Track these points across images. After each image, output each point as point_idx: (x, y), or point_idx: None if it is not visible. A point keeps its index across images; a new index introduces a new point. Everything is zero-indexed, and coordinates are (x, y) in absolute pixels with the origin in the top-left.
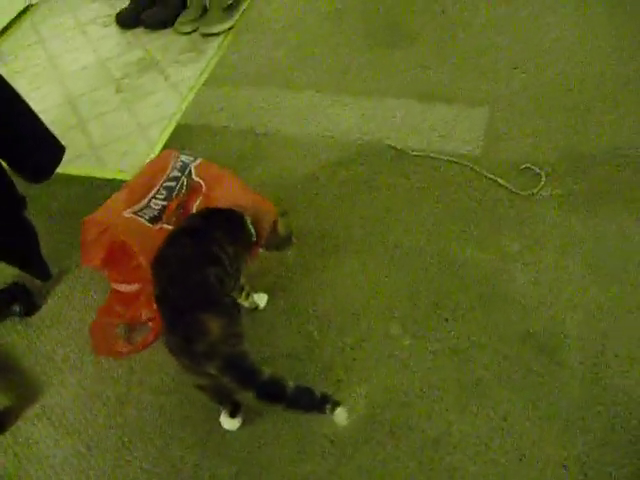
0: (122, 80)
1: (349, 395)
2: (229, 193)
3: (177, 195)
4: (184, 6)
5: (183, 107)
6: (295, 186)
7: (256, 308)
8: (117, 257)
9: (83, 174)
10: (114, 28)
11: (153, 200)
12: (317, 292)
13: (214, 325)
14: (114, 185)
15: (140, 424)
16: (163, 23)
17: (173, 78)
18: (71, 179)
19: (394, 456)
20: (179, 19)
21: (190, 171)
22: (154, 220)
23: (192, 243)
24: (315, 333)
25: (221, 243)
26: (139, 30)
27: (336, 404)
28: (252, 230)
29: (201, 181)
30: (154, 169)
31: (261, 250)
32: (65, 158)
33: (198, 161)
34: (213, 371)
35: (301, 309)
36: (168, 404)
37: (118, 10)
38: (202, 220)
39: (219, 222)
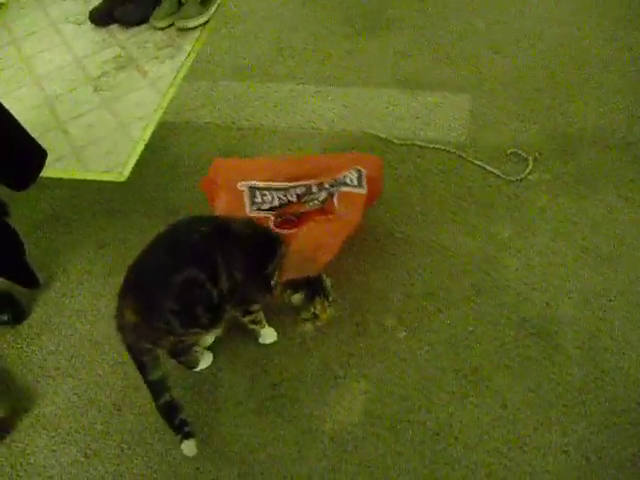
0: (100, 79)
1: (347, 391)
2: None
3: (305, 202)
4: (158, 1)
5: (164, 104)
6: None
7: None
8: None
9: (66, 177)
10: (88, 26)
11: (293, 189)
12: None
13: (129, 315)
14: (98, 186)
15: (138, 429)
16: (138, 19)
17: (151, 75)
18: (54, 182)
19: (395, 450)
20: (154, 14)
21: (334, 194)
22: (271, 208)
23: (203, 236)
24: (310, 330)
25: (230, 262)
26: (114, 27)
27: (186, 436)
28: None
29: (336, 205)
30: (336, 162)
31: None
32: (46, 161)
33: (354, 190)
34: None
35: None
36: None
37: (91, 8)
38: (239, 229)
39: (251, 242)
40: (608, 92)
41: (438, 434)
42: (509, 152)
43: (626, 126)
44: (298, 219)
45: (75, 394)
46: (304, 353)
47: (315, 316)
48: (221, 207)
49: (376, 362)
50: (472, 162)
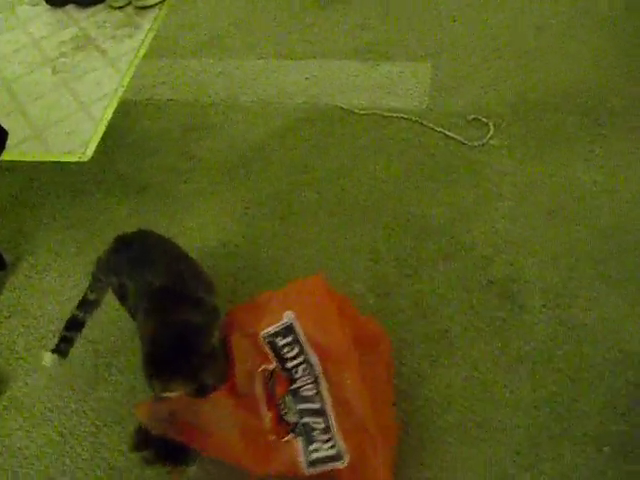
0: (58, 60)
1: None
2: None
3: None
4: None
5: (124, 83)
6: (245, 154)
7: None
8: None
9: (27, 159)
10: (43, 7)
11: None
12: (277, 259)
13: (109, 251)
14: (61, 167)
15: (113, 406)
16: None
17: (111, 54)
18: (15, 165)
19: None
20: None
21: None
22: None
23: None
24: None
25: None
26: (70, 7)
27: (57, 351)
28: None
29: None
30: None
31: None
32: (6, 144)
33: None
34: None
35: (261, 277)
36: (138, 384)
37: None
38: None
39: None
40: (568, 58)
41: (410, 395)
42: (470, 118)
43: (586, 91)
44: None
45: (48, 375)
46: None
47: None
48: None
49: None
50: (434, 129)
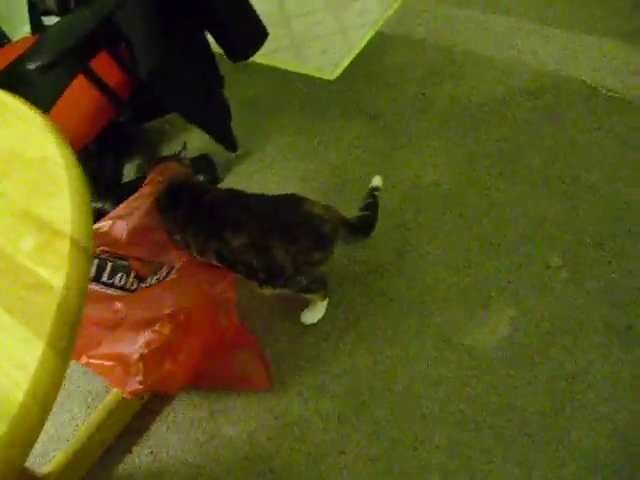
0: None
1: (496, 314)
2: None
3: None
4: None
5: (385, 17)
6: (482, 106)
7: None
8: None
9: (281, 66)
10: None
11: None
12: (485, 211)
13: None
14: (308, 81)
15: None
16: None
17: None
18: (269, 70)
19: (527, 380)
20: None
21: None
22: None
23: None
24: (476, 249)
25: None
26: None
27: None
28: None
29: None
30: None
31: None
32: (266, 49)
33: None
34: None
35: (468, 224)
36: None
37: None
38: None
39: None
40: None
41: (573, 377)
42: None
43: None
44: None
45: None
46: (465, 270)
47: None
48: None
49: (531, 294)
50: None
